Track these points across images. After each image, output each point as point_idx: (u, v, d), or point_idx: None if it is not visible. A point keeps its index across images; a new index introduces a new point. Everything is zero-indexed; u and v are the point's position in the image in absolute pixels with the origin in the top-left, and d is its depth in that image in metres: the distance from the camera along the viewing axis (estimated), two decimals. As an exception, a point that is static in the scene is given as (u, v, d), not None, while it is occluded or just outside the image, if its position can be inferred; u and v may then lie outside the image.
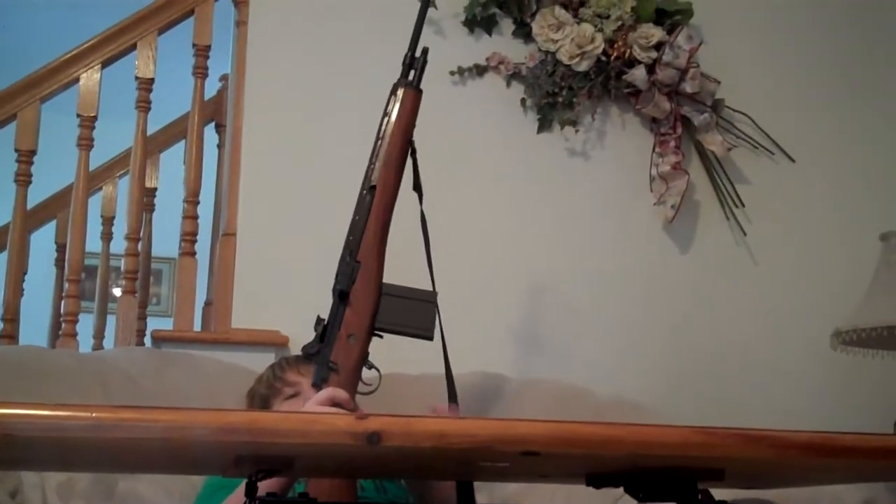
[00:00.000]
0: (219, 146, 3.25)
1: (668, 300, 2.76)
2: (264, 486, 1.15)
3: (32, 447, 1.00)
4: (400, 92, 1.64)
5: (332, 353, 1.49)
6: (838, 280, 2.76)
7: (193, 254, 2.64)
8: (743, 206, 2.83)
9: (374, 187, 1.58)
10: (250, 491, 1.10)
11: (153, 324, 3.06)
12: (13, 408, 0.91)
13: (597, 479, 1.35)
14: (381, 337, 1.55)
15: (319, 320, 1.53)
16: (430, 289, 1.58)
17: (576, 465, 1.21)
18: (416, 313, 1.53)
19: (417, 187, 1.64)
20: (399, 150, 1.61)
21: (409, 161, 1.65)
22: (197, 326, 2.74)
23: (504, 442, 1.00)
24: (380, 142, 1.61)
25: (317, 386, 1.48)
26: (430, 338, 1.55)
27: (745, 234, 2.82)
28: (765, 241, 2.84)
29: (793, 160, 2.89)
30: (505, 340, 2.60)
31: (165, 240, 3.51)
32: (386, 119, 1.63)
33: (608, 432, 1.03)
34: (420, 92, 1.67)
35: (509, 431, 1.01)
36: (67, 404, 0.92)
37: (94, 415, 0.91)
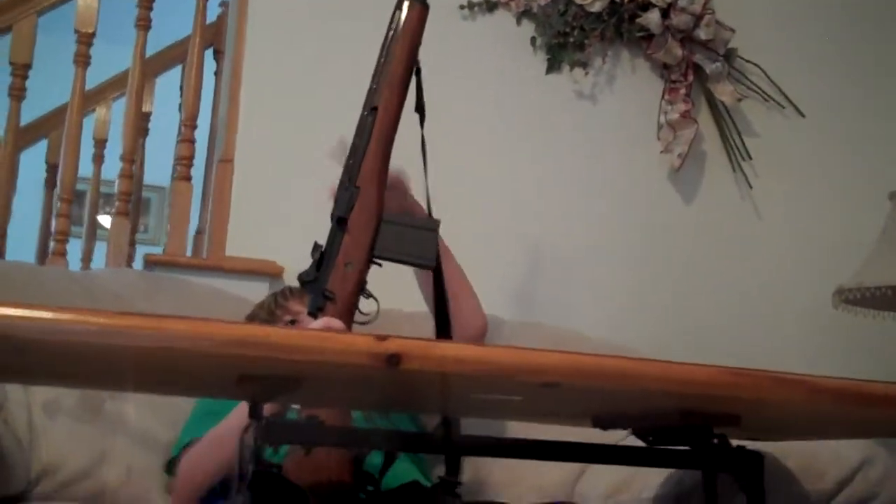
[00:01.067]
0: (216, 73, 3.17)
1: (670, 250, 2.72)
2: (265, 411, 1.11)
3: (30, 352, 0.95)
4: (405, 6, 1.56)
5: (328, 281, 1.43)
6: (844, 238, 2.71)
7: (189, 178, 2.58)
8: (750, 158, 2.78)
9: (375, 108, 1.50)
10: (255, 412, 1.06)
11: (141, 253, 3.00)
12: (14, 308, 0.86)
13: (604, 421, 1.31)
14: (379, 265, 1.49)
15: (316, 247, 1.48)
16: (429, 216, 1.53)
17: (590, 402, 1.17)
18: (416, 242, 1.48)
19: (420, 108, 1.56)
20: (403, 68, 1.53)
21: (413, 81, 1.57)
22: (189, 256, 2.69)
23: (526, 371, 0.97)
24: (383, 60, 1.53)
25: (312, 315, 1.43)
26: (431, 266, 1.49)
27: (751, 187, 2.78)
28: (771, 196, 2.80)
29: (803, 115, 2.83)
30: (500, 281, 2.55)
31: (155, 168, 3.46)
32: (391, 34, 1.55)
33: (634, 366, 1.00)
34: (427, 7, 1.58)
35: (533, 360, 0.97)
36: (73, 308, 0.87)
37: (101, 320, 0.87)
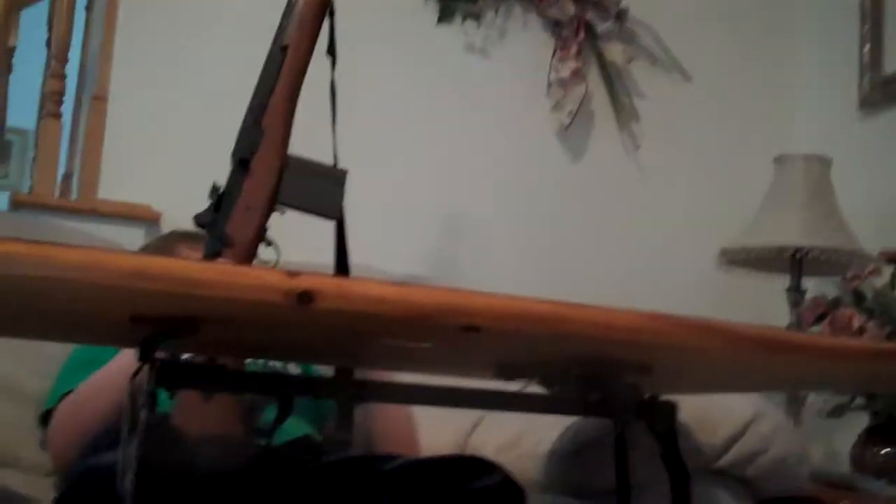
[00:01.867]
0: (87, 9, 2.99)
1: (557, 208, 2.71)
2: None
3: None
4: None
5: (227, 225, 1.35)
6: (729, 201, 2.76)
7: (59, 116, 2.42)
8: (638, 119, 2.79)
9: (285, 48, 1.42)
10: (146, 353, 0.97)
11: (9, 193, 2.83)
12: None
13: (510, 370, 1.27)
14: (281, 213, 1.40)
15: (215, 188, 1.38)
16: (334, 164, 1.46)
17: (504, 349, 1.12)
18: (322, 191, 1.40)
19: (332, 51, 1.48)
20: (316, 8, 1.45)
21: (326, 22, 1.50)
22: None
23: (447, 313, 0.91)
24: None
25: (208, 259, 1.34)
26: (336, 218, 1.42)
27: (637, 147, 2.79)
28: (657, 157, 2.82)
29: (689, 77, 2.86)
30: (387, 237, 2.49)
31: (15, 109, 3.25)
32: None
33: (558, 310, 0.95)
34: None
35: (455, 301, 0.91)
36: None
37: (-18, 244, 0.77)
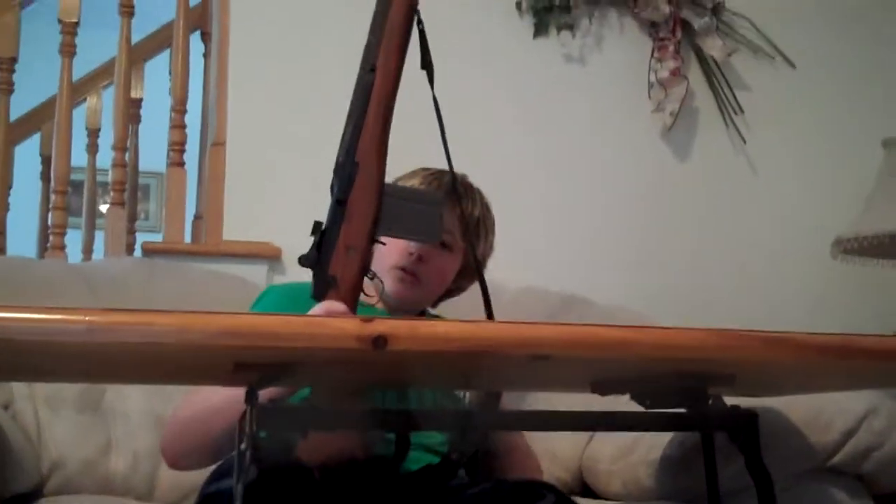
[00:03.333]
0: (205, 55, 3.16)
1: (666, 209, 2.72)
2: (265, 395, 1.11)
3: (23, 353, 0.96)
4: None
5: (330, 265, 1.35)
6: (839, 188, 2.71)
7: (182, 164, 2.58)
8: (742, 112, 2.77)
9: (374, 69, 1.35)
10: (250, 397, 1.06)
11: (142, 240, 3.01)
12: (5, 311, 0.87)
13: (602, 386, 1.32)
14: (383, 244, 1.42)
15: (317, 226, 1.38)
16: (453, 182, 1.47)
17: (584, 371, 1.18)
18: (419, 217, 1.38)
19: (427, 65, 1.40)
20: (403, 17, 1.37)
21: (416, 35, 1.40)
22: (187, 240, 2.70)
23: (514, 345, 0.97)
24: (379, 15, 1.38)
25: (315, 300, 1.36)
26: (435, 241, 1.44)
27: (744, 141, 2.77)
28: (765, 149, 2.79)
29: (793, 66, 2.82)
30: (500, 246, 2.55)
31: (152, 154, 3.45)
32: None
33: (622, 335, 1.00)
34: None
35: (520, 334, 0.97)
36: (60, 307, 0.88)
37: (87, 318, 0.87)
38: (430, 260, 1.58)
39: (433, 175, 1.63)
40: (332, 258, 1.35)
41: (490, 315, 1.35)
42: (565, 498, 1.32)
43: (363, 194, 1.35)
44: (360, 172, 1.35)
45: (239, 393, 1.07)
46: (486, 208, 1.72)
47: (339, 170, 1.37)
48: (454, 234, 1.61)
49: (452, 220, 1.60)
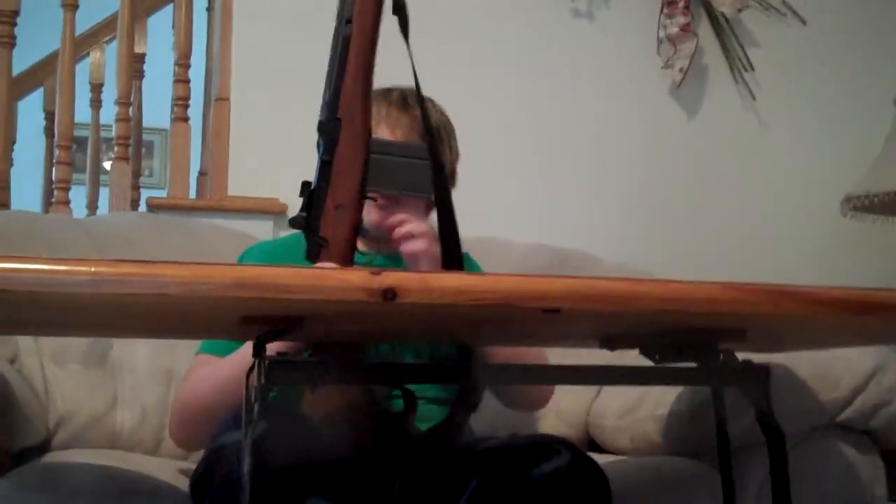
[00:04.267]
0: (208, 9, 3.13)
1: (674, 166, 2.70)
2: (273, 349, 1.10)
3: (27, 305, 0.95)
4: None
5: (320, 226, 1.31)
6: (850, 145, 2.69)
7: (186, 119, 2.56)
8: (753, 69, 2.74)
9: (349, 21, 1.29)
10: (258, 350, 1.05)
11: (146, 197, 3.00)
12: (8, 261, 0.86)
13: (611, 341, 1.31)
14: (374, 200, 1.37)
15: (305, 186, 1.33)
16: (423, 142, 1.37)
17: (594, 325, 1.17)
18: (409, 170, 1.34)
19: (399, 8, 1.31)
20: None
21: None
22: (192, 196, 2.69)
23: (525, 298, 0.96)
24: None
25: (308, 261, 1.32)
26: (428, 197, 1.36)
27: (754, 98, 2.74)
28: (774, 106, 2.76)
29: (804, 22, 2.79)
30: (503, 205, 2.54)
31: (156, 111, 3.43)
32: None
33: (633, 288, 0.99)
34: None
35: (531, 287, 0.96)
36: (66, 258, 0.87)
37: (93, 269, 0.86)
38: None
39: (380, 94, 1.55)
40: (322, 219, 1.31)
41: (449, 228, 1.30)
42: (581, 454, 1.30)
43: (349, 151, 1.30)
44: (344, 129, 1.30)
45: (242, 373, 1.05)
46: (442, 114, 1.64)
47: (322, 128, 1.31)
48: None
49: (410, 129, 1.54)
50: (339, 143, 1.29)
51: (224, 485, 1.18)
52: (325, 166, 1.30)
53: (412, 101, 1.54)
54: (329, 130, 1.30)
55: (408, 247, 1.44)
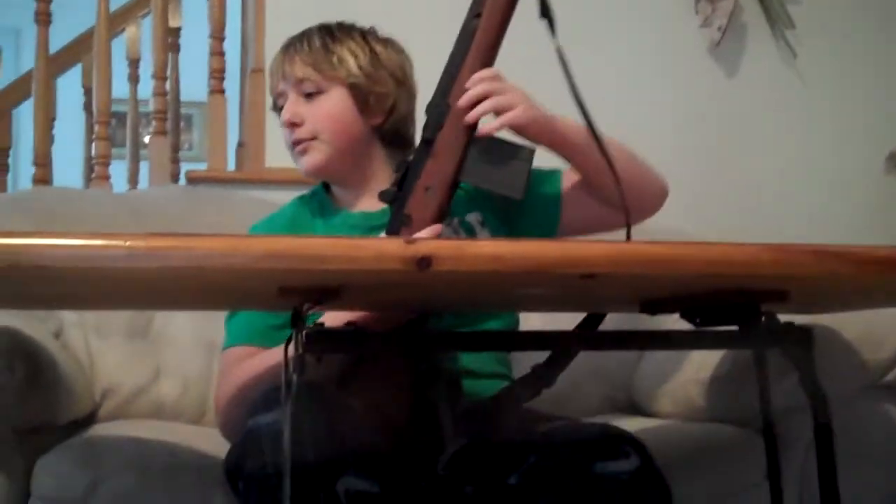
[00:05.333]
0: (243, -19, 3.12)
1: (714, 126, 2.67)
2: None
3: (65, 281, 0.95)
4: None
5: (407, 204, 1.33)
6: (893, 102, 2.64)
7: (222, 91, 2.56)
8: (794, 27, 2.69)
9: (479, 15, 1.34)
10: (296, 321, 1.05)
11: (186, 170, 3.01)
12: (45, 237, 0.87)
13: (652, 306, 1.30)
14: (463, 189, 1.38)
15: (402, 163, 1.37)
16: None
17: (632, 290, 1.16)
18: (506, 170, 1.34)
19: (546, 12, 1.39)
20: None
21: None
22: (231, 168, 2.70)
23: (562, 265, 0.95)
24: None
25: (391, 235, 1.34)
26: (518, 197, 1.35)
27: (795, 55, 2.70)
28: (816, 64, 2.71)
29: (847, -25, 2.74)
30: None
31: (195, 84, 3.44)
32: None
33: (671, 251, 0.98)
34: None
35: (567, 253, 0.95)
36: (101, 233, 0.87)
37: (128, 244, 0.87)
38: (301, 118, 1.56)
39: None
40: (411, 197, 1.34)
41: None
42: (649, 461, 1.22)
43: (451, 137, 1.33)
44: (451, 115, 1.33)
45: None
46: (399, 53, 1.60)
47: (430, 109, 1.36)
48: (310, 78, 1.55)
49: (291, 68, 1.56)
50: (444, 126, 1.33)
51: (258, 468, 1.17)
52: (426, 145, 1.33)
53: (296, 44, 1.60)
54: (437, 112, 1.33)
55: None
